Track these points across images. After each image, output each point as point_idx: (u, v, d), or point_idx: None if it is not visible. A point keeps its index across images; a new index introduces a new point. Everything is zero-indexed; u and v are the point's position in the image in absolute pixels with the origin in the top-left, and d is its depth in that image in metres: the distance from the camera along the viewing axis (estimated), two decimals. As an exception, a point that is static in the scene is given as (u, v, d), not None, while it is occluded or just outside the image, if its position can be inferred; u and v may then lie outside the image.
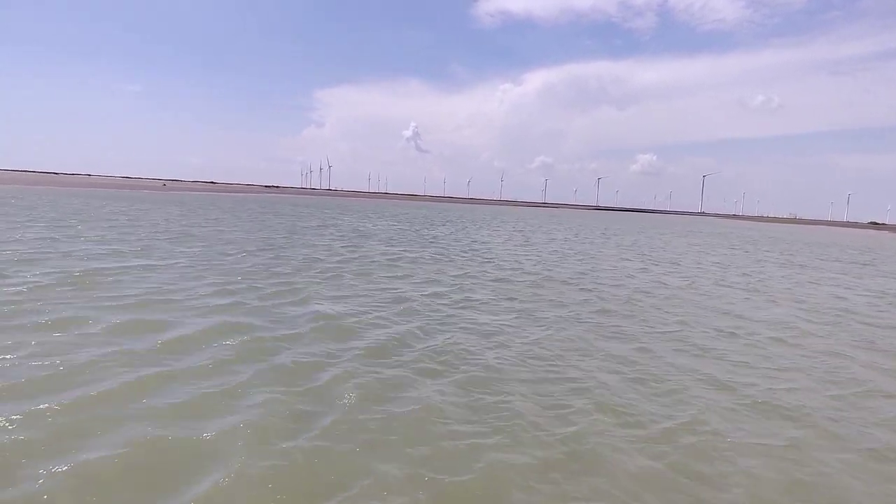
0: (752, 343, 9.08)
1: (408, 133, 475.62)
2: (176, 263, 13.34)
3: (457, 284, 13.23)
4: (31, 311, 8.02)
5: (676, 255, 25.30)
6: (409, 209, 75.75)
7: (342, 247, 20.00)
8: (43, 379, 5.58)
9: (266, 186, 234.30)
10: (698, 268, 20.56)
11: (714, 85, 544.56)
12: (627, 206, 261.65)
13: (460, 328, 8.90)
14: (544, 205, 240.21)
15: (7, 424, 4.60)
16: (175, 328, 7.72)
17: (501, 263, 18.00)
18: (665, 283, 15.46)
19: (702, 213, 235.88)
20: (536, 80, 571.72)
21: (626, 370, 7.20)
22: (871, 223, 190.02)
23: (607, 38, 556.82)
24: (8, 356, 6.12)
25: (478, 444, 4.86)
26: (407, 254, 19.08)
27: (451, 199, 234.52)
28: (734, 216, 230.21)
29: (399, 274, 14.37)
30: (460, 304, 10.83)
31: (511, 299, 11.73)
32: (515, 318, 9.94)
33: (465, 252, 21.02)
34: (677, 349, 8.41)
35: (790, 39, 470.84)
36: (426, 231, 32.28)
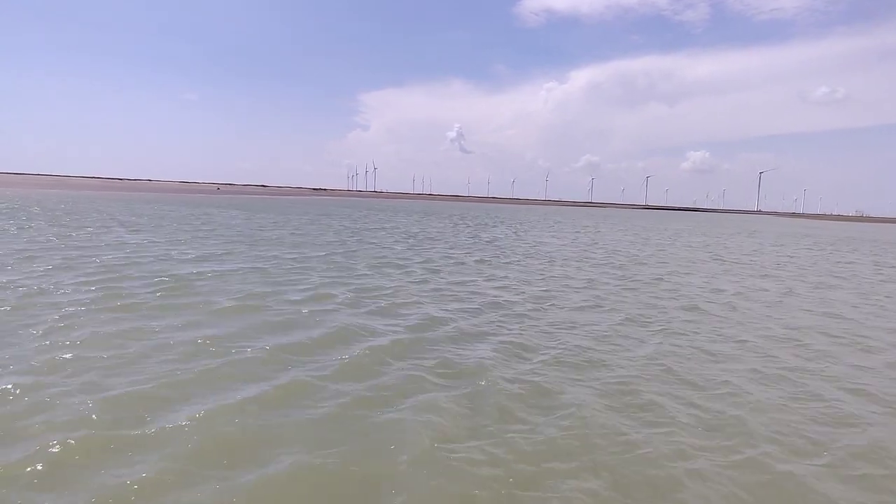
0: None
1: (451, 134, 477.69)
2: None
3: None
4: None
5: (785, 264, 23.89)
6: (457, 210, 75.59)
7: (438, 256, 19.88)
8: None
9: (314, 189, 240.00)
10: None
11: (771, 77, 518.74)
12: (678, 206, 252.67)
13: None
14: (591, 204, 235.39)
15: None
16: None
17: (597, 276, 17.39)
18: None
19: (758, 212, 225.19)
20: (582, 77, 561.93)
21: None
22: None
23: (656, 32, 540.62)
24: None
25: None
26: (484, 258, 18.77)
27: (495, 200, 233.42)
28: (794, 214, 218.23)
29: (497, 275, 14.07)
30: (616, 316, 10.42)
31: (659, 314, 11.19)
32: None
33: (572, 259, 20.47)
34: None
35: (856, 27, 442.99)
36: (483, 233, 31.90)
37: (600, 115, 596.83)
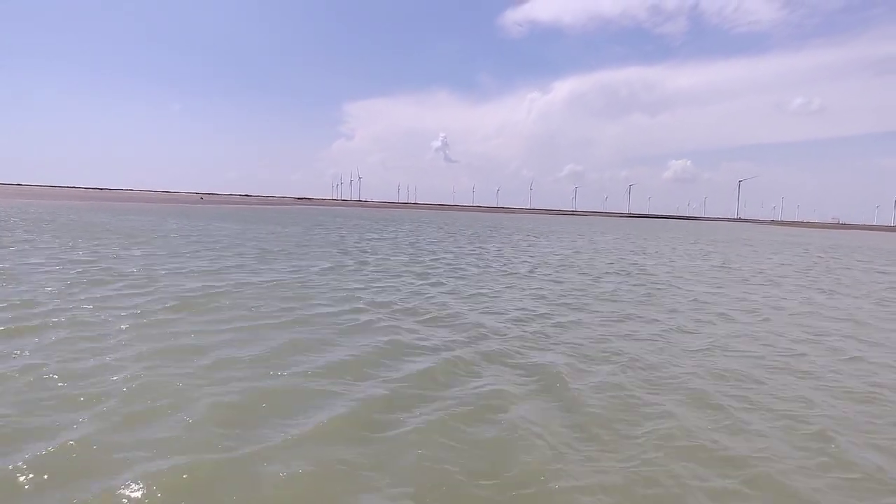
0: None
1: (436, 144, 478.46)
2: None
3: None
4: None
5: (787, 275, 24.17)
6: (444, 219, 75.55)
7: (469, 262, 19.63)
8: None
9: (298, 199, 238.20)
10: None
11: (750, 88, 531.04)
12: (660, 213, 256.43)
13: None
14: (575, 213, 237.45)
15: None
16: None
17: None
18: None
19: (738, 220, 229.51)
20: (565, 88, 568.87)
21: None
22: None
23: (637, 43, 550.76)
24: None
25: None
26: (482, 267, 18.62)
27: (480, 209, 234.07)
28: (773, 222, 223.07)
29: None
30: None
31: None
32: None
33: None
34: None
35: (830, 39, 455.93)
36: (482, 245, 31.81)
37: (583, 124, 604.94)
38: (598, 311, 11.03)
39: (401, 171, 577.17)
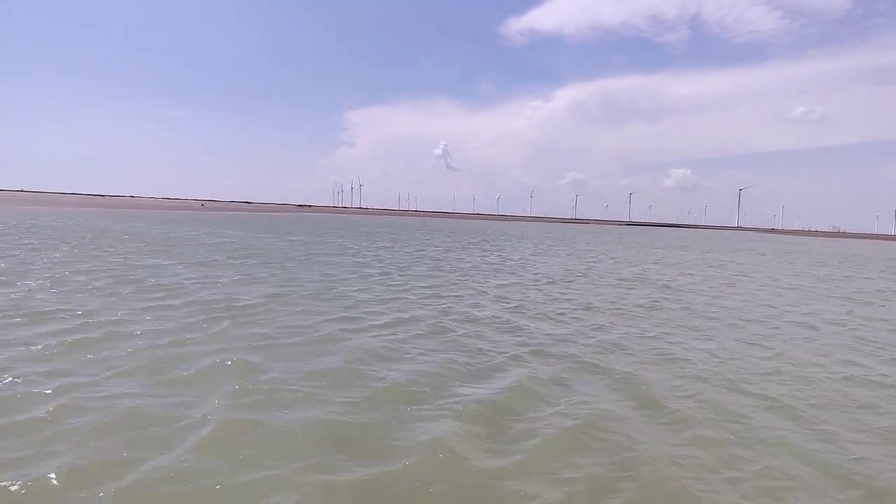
0: None
1: (437, 151, 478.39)
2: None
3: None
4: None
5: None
6: (447, 227, 75.26)
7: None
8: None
9: (298, 206, 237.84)
10: None
11: (750, 97, 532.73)
12: (661, 222, 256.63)
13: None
14: (576, 220, 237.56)
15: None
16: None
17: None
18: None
19: (738, 228, 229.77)
20: (566, 96, 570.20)
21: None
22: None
23: (638, 52, 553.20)
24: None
25: None
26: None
27: (481, 216, 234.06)
28: (772, 230, 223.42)
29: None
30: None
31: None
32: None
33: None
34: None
35: (830, 49, 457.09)
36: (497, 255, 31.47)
37: (584, 132, 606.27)
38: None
39: (402, 179, 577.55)
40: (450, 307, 11.24)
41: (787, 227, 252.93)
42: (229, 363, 6.48)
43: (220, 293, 11.12)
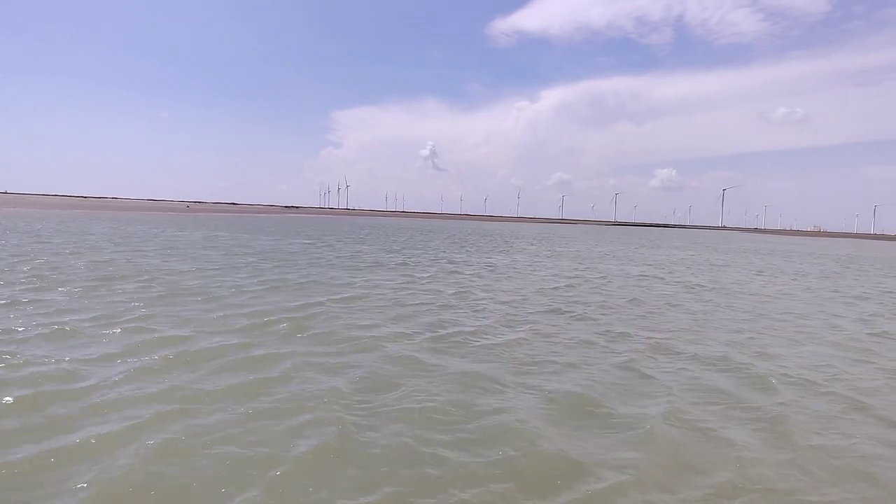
0: None
1: (425, 152, 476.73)
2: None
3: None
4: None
5: None
6: (442, 228, 74.81)
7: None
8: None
9: (286, 207, 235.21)
10: None
11: (734, 98, 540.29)
12: (646, 221, 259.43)
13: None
14: (562, 221, 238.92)
15: None
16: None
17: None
18: None
19: (722, 227, 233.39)
20: (553, 97, 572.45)
21: None
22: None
23: (624, 53, 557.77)
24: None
25: None
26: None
27: (468, 217, 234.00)
28: (755, 230, 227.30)
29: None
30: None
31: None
32: None
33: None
34: None
35: (811, 51, 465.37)
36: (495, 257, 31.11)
37: (571, 133, 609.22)
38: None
39: (389, 180, 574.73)
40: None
41: (769, 227, 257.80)
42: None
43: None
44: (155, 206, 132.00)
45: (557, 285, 16.14)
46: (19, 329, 7.76)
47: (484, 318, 10.59)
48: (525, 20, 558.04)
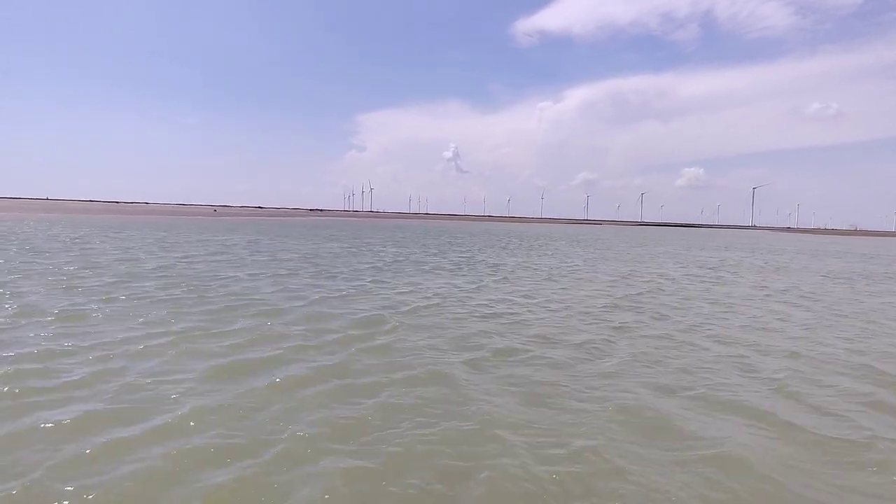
0: None
1: (448, 154, 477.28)
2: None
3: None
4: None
5: None
6: (465, 229, 73.94)
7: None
8: None
9: (310, 210, 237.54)
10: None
11: (764, 94, 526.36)
12: (673, 222, 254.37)
13: None
14: (587, 222, 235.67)
15: None
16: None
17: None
18: None
19: (752, 227, 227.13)
20: (576, 96, 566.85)
21: None
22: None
23: (649, 51, 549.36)
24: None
25: None
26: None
27: (491, 219, 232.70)
28: (788, 229, 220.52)
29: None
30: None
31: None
32: None
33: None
34: None
35: (844, 44, 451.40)
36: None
37: (595, 132, 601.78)
38: None
39: (412, 182, 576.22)
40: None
41: (802, 226, 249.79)
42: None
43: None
44: (184, 211, 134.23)
45: (634, 291, 15.14)
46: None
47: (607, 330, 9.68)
48: (547, 20, 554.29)
